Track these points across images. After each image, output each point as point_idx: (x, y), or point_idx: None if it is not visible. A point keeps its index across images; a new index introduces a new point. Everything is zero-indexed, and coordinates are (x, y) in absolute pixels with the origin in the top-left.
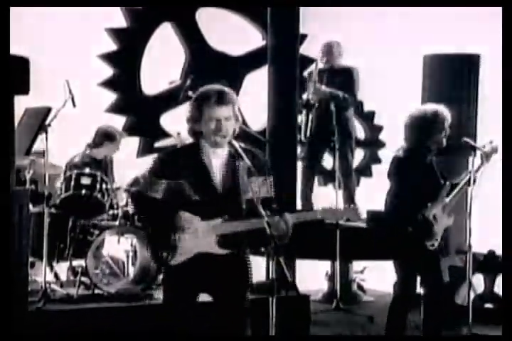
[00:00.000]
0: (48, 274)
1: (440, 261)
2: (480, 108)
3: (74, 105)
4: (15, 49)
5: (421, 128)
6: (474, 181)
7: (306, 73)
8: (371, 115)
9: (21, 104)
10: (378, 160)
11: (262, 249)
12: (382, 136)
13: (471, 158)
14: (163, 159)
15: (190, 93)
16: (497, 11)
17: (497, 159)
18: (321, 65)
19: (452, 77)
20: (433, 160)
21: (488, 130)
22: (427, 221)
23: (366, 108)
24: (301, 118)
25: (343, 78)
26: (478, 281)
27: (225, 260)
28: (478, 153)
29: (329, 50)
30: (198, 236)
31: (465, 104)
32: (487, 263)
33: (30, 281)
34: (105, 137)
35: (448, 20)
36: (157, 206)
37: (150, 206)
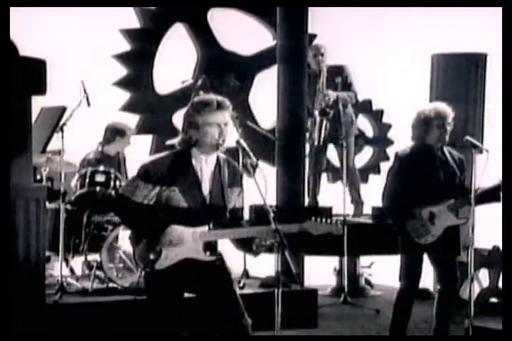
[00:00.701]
0: (63, 268)
1: (453, 257)
2: (487, 106)
3: (89, 104)
4: (31, 50)
5: (420, 125)
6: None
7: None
8: (380, 114)
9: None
10: (387, 158)
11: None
12: (390, 134)
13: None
14: (154, 164)
15: (201, 93)
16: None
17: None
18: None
19: (459, 75)
20: (439, 158)
21: (495, 128)
22: (420, 217)
23: (375, 107)
24: (313, 123)
25: (337, 76)
26: (483, 276)
27: (209, 265)
28: (484, 152)
29: (318, 53)
30: (184, 242)
31: (472, 102)
32: (491, 259)
33: (46, 275)
34: (116, 133)
35: (456, 19)
36: (142, 212)
37: (135, 212)
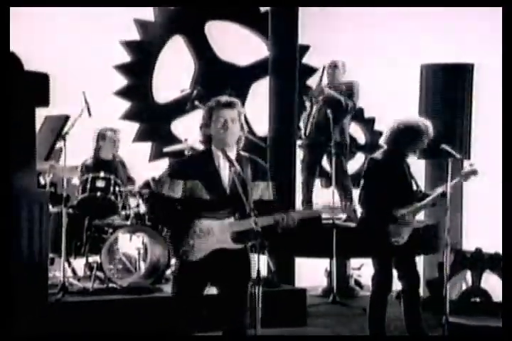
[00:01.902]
0: (66, 270)
1: (414, 258)
2: (474, 115)
3: (89, 114)
4: (35, 62)
5: (404, 138)
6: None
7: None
8: (371, 121)
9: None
10: None
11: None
12: (382, 141)
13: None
14: (181, 163)
15: (196, 102)
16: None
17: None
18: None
19: (446, 85)
20: (408, 166)
21: (482, 137)
22: (393, 220)
23: (367, 115)
24: (303, 116)
25: (345, 89)
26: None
27: (235, 254)
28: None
29: (335, 68)
30: (214, 234)
31: (459, 111)
32: (474, 261)
33: (50, 276)
34: (98, 138)
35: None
36: (173, 206)
37: (166, 206)
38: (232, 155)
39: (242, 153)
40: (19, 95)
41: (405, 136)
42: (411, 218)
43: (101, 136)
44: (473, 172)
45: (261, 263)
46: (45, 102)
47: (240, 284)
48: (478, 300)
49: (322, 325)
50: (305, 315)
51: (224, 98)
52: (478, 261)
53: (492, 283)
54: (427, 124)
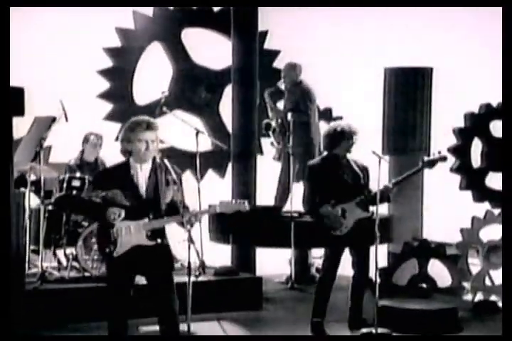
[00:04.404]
0: (52, 260)
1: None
2: (434, 114)
3: (66, 120)
4: (15, 72)
5: (330, 141)
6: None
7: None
8: (339, 120)
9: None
10: None
11: None
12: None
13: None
14: (102, 174)
15: (164, 108)
16: None
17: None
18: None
19: (408, 86)
20: (345, 165)
21: (441, 137)
22: (333, 214)
23: (335, 114)
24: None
25: (301, 90)
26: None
27: (153, 249)
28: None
29: (291, 69)
30: (131, 232)
31: (418, 111)
32: (420, 250)
33: (32, 266)
34: (83, 141)
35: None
36: (94, 209)
37: (88, 209)
38: (148, 165)
39: (158, 160)
40: None
41: (332, 140)
42: (357, 210)
43: (85, 140)
44: (442, 159)
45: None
46: (20, 112)
47: (161, 274)
48: (424, 285)
49: (279, 309)
50: (261, 301)
51: (145, 120)
52: (424, 250)
53: (436, 270)
54: (351, 126)
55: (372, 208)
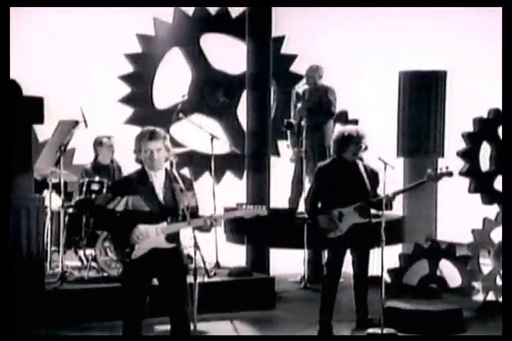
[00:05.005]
0: (73, 260)
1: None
2: (447, 116)
3: (86, 126)
4: (37, 80)
5: (338, 145)
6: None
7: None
8: (355, 123)
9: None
10: None
11: None
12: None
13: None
14: (122, 181)
15: (180, 115)
16: None
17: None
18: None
19: (421, 90)
20: (351, 170)
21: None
22: (330, 216)
23: (350, 116)
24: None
25: (322, 95)
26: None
27: (169, 252)
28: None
29: (313, 72)
30: (150, 236)
31: (432, 113)
32: (430, 251)
33: (54, 266)
34: (95, 144)
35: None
36: (116, 218)
37: (112, 218)
38: (162, 172)
39: (169, 169)
40: (18, 116)
41: (341, 144)
42: (352, 215)
43: (98, 143)
44: (449, 174)
45: None
46: (40, 120)
47: (175, 276)
48: (434, 286)
49: (292, 308)
50: (273, 300)
51: (149, 130)
52: (434, 251)
53: (448, 271)
54: (359, 131)
55: (378, 211)
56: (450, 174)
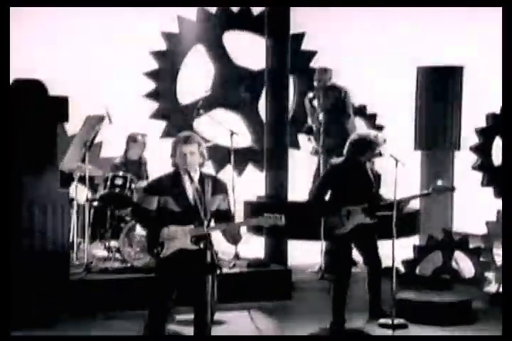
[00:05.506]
0: (101, 251)
1: (371, 246)
2: (464, 113)
3: (110, 122)
4: (61, 75)
5: (356, 148)
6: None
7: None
8: (374, 117)
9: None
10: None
11: None
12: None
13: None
14: (156, 182)
15: (201, 111)
16: None
17: None
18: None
19: (438, 85)
20: (362, 172)
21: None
22: (338, 213)
23: (369, 110)
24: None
25: (333, 95)
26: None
27: (196, 253)
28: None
29: (321, 74)
30: (178, 237)
31: (449, 108)
32: (443, 242)
33: (79, 257)
34: (129, 140)
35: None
36: (150, 216)
37: (146, 216)
38: (196, 176)
39: (205, 173)
40: (43, 115)
41: (359, 147)
42: (359, 215)
43: (132, 139)
44: (451, 189)
45: None
46: (65, 119)
47: (200, 276)
48: (447, 276)
49: (309, 298)
50: (290, 290)
51: (184, 135)
52: (448, 243)
53: (462, 262)
54: (378, 136)
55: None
56: (452, 189)
